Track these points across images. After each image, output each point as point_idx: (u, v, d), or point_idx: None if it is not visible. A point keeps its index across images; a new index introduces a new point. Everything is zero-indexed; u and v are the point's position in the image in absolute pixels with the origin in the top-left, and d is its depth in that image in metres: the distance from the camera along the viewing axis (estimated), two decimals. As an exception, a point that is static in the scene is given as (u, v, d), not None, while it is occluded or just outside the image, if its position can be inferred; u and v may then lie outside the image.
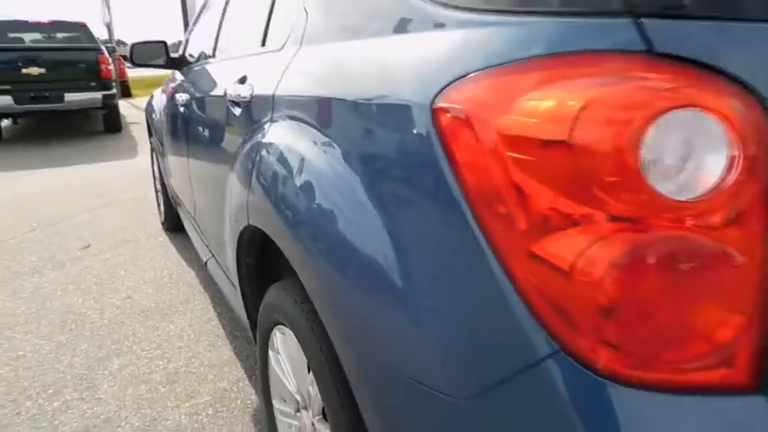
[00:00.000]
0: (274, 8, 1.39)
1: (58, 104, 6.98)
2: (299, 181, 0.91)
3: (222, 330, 2.29)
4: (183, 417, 1.74)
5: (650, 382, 0.52)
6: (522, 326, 0.55)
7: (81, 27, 8.08)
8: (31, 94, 6.81)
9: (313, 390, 1.05)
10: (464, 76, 0.60)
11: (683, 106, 0.46)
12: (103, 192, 4.70)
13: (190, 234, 2.65)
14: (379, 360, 0.74)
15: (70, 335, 2.27)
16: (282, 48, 1.22)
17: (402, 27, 0.78)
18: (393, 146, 0.71)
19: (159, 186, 3.60)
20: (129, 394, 1.86)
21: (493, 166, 0.55)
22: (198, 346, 2.17)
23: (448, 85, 0.62)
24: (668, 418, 0.51)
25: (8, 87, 6.68)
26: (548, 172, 0.52)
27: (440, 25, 0.70)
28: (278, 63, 1.19)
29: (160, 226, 3.69)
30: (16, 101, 6.75)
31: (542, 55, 0.54)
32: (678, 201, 0.48)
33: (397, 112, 0.70)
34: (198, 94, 1.97)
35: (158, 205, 3.77)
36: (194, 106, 2.00)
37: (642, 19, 0.49)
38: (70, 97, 6.98)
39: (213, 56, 2.04)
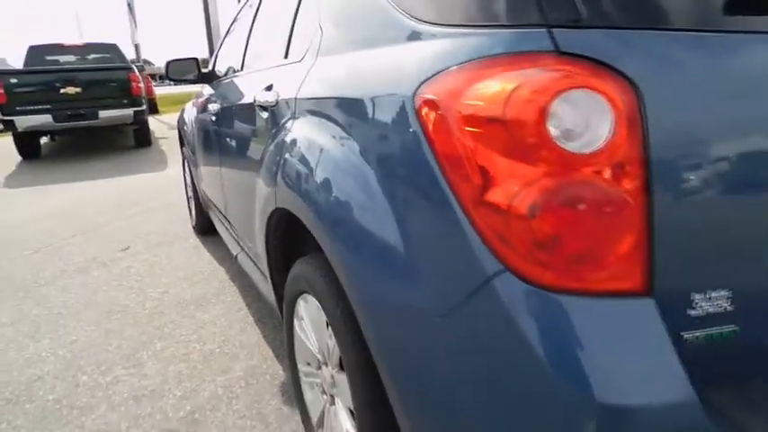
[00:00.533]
0: (295, 26, 1.62)
1: (94, 121, 7.41)
2: (317, 165, 1.13)
3: (251, 318, 2.52)
4: (219, 388, 1.96)
5: (570, 290, 0.71)
6: (478, 254, 0.75)
7: (112, 48, 8.54)
8: (69, 113, 7.24)
9: (331, 342, 1.26)
10: (435, 73, 0.81)
11: (578, 87, 0.66)
12: (137, 200, 5.01)
13: (221, 233, 2.89)
14: (380, 297, 0.95)
15: (116, 323, 2.53)
16: (302, 59, 1.45)
17: (393, 39, 1.00)
18: (387, 129, 0.92)
19: (191, 193, 3.88)
20: (171, 370, 2.10)
21: (455, 138, 0.76)
22: (230, 331, 2.40)
23: (424, 80, 0.83)
24: (584, 314, 0.71)
25: (48, 107, 7.14)
26: (491, 140, 0.72)
27: (419, 37, 0.92)
28: (299, 72, 1.42)
29: (191, 230, 3.96)
30: (55, 119, 7.20)
31: (487, 56, 0.75)
32: (579, 154, 0.67)
33: (389, 103, 0.91)
34: (227, 104, 2.22)
35: (190, 211, 4.05)
36: (224, 114, 2.25)
37: (553, 29, 0.70)
38: (104, 114, 7.41)
39: (241, 69, 2.29)
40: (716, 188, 0.72)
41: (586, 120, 0.67)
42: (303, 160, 1.23)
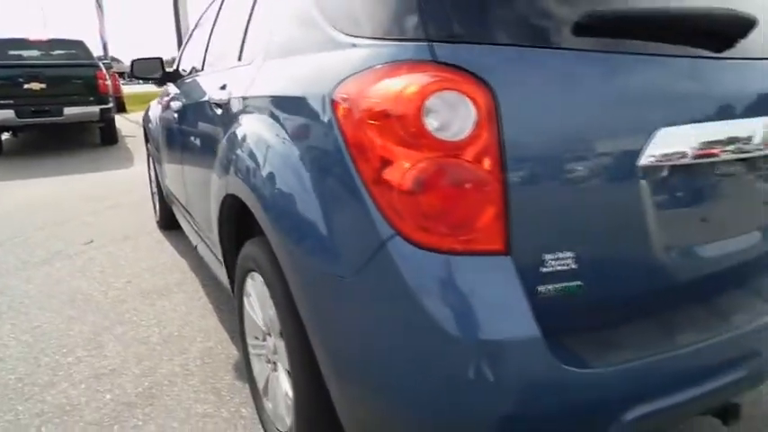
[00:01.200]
0: (248, 31, 1.79)
1: (58, 118, 7.37)
2: (258, 155, 1.30)
3: (211, 305, 2.66)
4: (176, 367, 2.10)
5: (448, 250, 0.90)
6: (376, 223, 0.93)
7: (78, 44, 8.48)
8: (32, 109, 7.19)
9: (272, 313, 1.42)
10: (347, 76, 1.00)
11: (448, 89, 0.85)
12: (102, 196, 5.07)
13: (183, 226, 3.02)
14: (305, 267, 1.12)
15: (79, 310, 2.63)
16: (252, 62, 1.62)
17: (322, 47, 1.18)
18: (312, 123, 1.10)
19: (155, 189, 3.97)
20: (131, 352, 2.22)
21: (360, 129, 0.94)
22: (189, 317, 2.53)
23: (339, 82, 1.01)
24: (458, 269, 0.89)
25: (10, 102, 7.07)
26: (384, 131, 0.90)
27: (341, 45, 1.10)
28: (249, 73, 1.59)
29: (156, 225, 4.06)
30: (18, 115, 7.14)
31: (384, 63, 0.93)
32: (450, 142, 0.86)
33: (315, 101, 1.09)
34: (188, 102, 2.36)
35: (154, 206, 4.14)
36: (186, 111, 2.39)
37: (433, 43, 0.89)
38: (69, 111, 7.37)
39: (202, 69, 2.44)
40: (558, 171, 0.91)
41: (454, 115, 0.86)
42: (248, 151, 1.39)
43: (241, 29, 1.84)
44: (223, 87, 1.77)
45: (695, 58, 1.04)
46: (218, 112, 1.77)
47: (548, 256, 0.93)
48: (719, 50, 1.07)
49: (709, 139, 1.02)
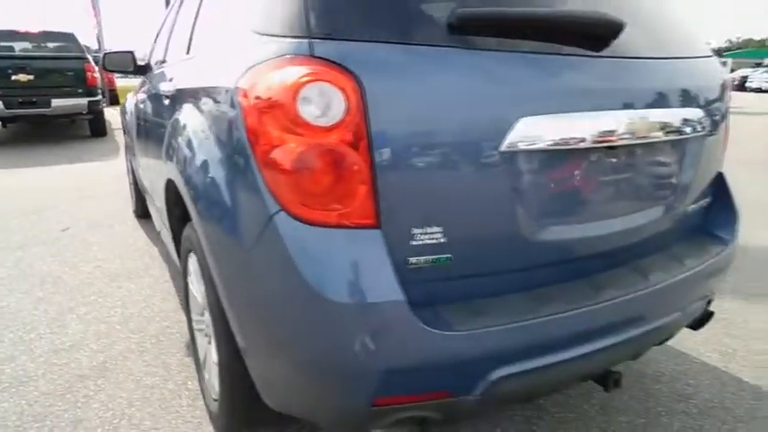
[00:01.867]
0: (195, 26, 1.90)
1: (46, 109, 7.47)
2: (183, 140, 1.42)
3: (174, 289, 2.78)
4: (132, 344, 2.22)
5: (325, 224, 1.01)
6: (265, 200, 1.04)
7: (69, 37, 8.56)
8: (20, 100, 7.29)
9: (203, 289, 1.54)
10: (247, 69, 1.11)
11: (320, 80, 0.97)
12: (85, 186, 5.17)
13: (151, 213, 3.13)
14: (216, 242, 1.24)
15: (47, 292, 2.75)
16: (193, 56, 1.74)
17: (238, 42, 1.29)
18: (223, 111, 1.21)
19: (131, 179, 4.08)
20: (92, 330, 2.34)
21: (253, 116, 1.06)
22: (152, 300, 2.65)
23: (242, 75, 1.13)
24: (334, 241, 1.01)
25: (-1, 92, 7.17)
26: (270, 117, 1.02)
27: (251, 41, 1.21)
28: (188, 66, 1.70)
29: (132, 213, 4.17)
30: (6, 105, 7.24)
31: (274, 57, 1.05)
32: (323, 127, 0.98)
33: (225, 92, 1.20)
34: (151, 93, 2.47)
35: (132, 195, 4.25)
36: (148, 103, 2.51)
37: (312, 40, 1.01)
38: (57, 103, 7.48)
39: (164, 62, 2.55)
40: (425, 154, 1.03)
41: (326, 103, 0.98)
42: (178, 138, 1.51)
43: (190, 24, 1.95)
44: (171, 80, 1.88)
45: (559, 55, 1.15)
46: (166, 103, 1.89)
47: (417, 231, 1.05)
48: (589, 49, 1.19)
49: (569, 129, 1.13)
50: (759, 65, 41.36)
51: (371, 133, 1.00)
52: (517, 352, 1.11)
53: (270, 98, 1.02)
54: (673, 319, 1.38)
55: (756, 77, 30.52)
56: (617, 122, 1.18)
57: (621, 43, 1.22)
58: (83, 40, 9.51)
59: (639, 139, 1.23)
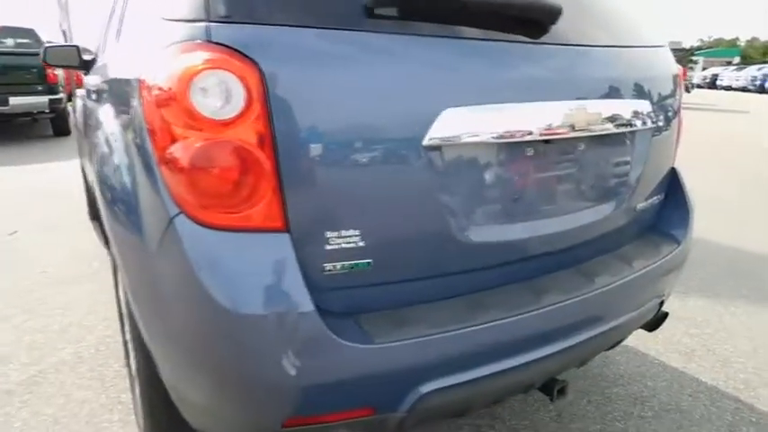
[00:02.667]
0: (124, 17, 1.78)
1: (3, 108, 7.17)
2: (95, 133, 1.30)
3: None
4: (68, 355, 2.09)
5: (226, 227, 0.91)
6: (165, 201, 0.93)
7: (29, 32, 8.26)
8: (-26, 97, 6.98)
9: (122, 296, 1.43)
10: (147, 59, 1.00)
11: (217, 68, 0.86)
12: (42, 188, 4.97)
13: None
14: (122, 245, 1.13)
15: (-17, 300, 2.59)
16: (115, 47, 1.61)
17: (149, 30, 1.18)
18: (131, 103, 1.09)
19: (84, 178, 3.91)
20: (26, 340, 2.20)
21: (150, 108, 0.95)
22: (96, 307, 2.51)
23: (144, 65, 1.01)
24: (237, 246, 0.91)
25: (-48, 90, 6.86)
26: (165, 110, 0.91)
27: (157, 29, 1.10)
28: (112, 57, 1.58)
29: (87, 215, 4.00)
30: (-41, 103, 6.93)
31: (170, 44, 0.94)
32: (220, 120, 0.88)
33: (131, 82, 1.09)
34: (87, 88, 2.34)
35: (86, 197, 4.08)
36: (86, 99, 2.37)
37: (210, 23, 0.90)
38: (15, 101, 7.18)
39: (99, 54, 2.41)
40: (337, 151, 0.93)
41: (222, 94, 0.87)
42: (96, 132, 1.39)
43: (119, 14, 1.82)
44: (98, 73, 1.76)
45: (490, 41, 1.06)
46: (94, 97, 1.76)
47: (331, 234, 0.95)
48: (524, 36, 1.11)
49: (501, 120, 1.04)
50: (729, 63, 42.21)
51: (276, 127, 0.89)
52: (447, 364, 1.02)
53: (165, 89, 0.91)
54: (621, 322, 1.31)
55: (726, 75, 31.09)
56: (554, 114, 1.10)
57: (561, 30, 1.14)
58: (49, 36, 9.20)
59: (579, 132, 1.15)
